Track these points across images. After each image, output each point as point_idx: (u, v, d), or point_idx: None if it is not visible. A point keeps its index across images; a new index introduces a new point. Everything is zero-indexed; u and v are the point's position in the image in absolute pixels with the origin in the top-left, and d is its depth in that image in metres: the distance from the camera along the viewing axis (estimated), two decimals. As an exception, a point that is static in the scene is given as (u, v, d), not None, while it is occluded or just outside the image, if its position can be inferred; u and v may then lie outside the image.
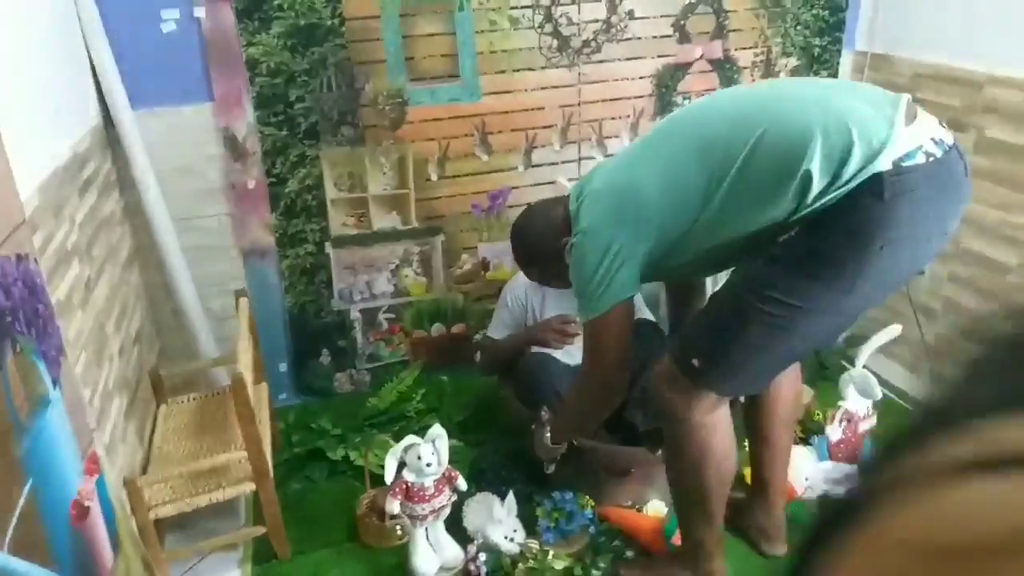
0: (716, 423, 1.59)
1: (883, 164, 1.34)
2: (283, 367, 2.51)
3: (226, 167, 2.25)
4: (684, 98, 2.57)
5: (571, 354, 2.10)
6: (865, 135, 1.36)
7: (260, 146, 2.25)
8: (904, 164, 1.34)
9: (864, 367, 2.00)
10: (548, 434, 1.87)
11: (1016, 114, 2.05)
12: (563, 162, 2.52)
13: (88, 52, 2.00)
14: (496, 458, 2.13)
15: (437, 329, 2.61)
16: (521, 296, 2.23)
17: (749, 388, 1.69)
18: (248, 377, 1.89)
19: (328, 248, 2.41)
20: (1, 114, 1.31)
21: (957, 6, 2.23)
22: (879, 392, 1.95)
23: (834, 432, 2.00)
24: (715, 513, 1.67)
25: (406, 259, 2.51)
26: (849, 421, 2.01)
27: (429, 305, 2.58)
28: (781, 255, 1.43)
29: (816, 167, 1.37)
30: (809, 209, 1.39)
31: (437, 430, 1.74)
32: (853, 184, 1.36)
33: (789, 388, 1.80)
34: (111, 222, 2.01)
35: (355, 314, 2.52)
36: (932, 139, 1.38)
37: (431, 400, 2.49)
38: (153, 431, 2.04)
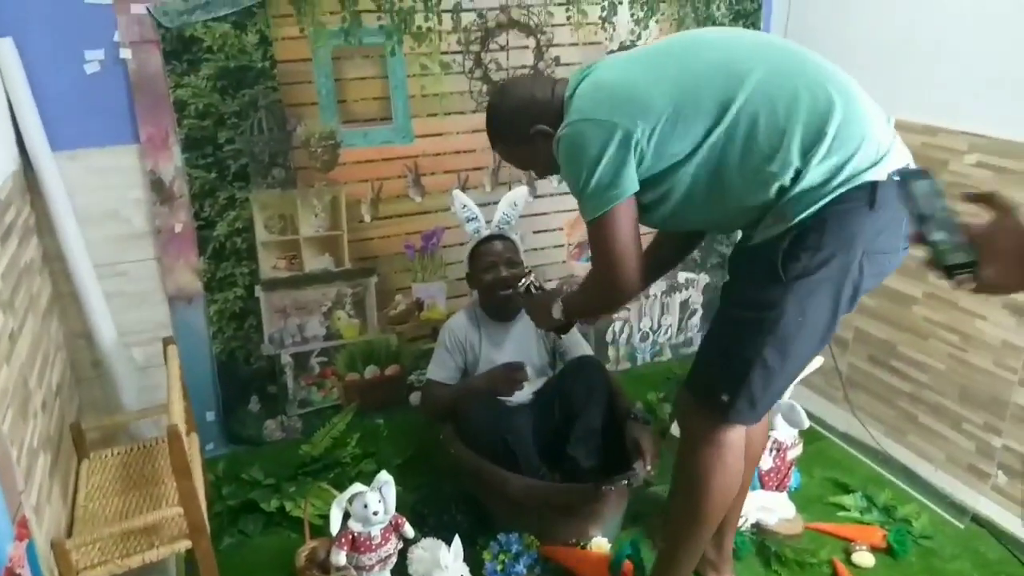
0: (737, 441, 1.58)
1: (881, 173, 1.37)
2: (211, 416, 2.43)
3: (152, 211, 2.18)
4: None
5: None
6: (874, 137, 1.39)
7: (188, 189, 2.20)
8: (891, 177, 1.35)
9: (789, 397, 2.11)
10: (558, 306, 1.76)
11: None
12: (493, 203, 2.55)
13: (5, 92, 1.92)
14: (438, 502, 2.12)
15: (371, 371, 2.59)
16: (460, 336, 2.24)
17: (772, 403, 1.61)
18: (183, 426, 1.83)
19: (258, 291, 2.36)
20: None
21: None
22: (806, 422, 2.05)
23: (764, 462, 2.09)
24: (706, 541, 1.68)
25: (339, 301, 2.48)
26: (778, 450, 2.11)
27: (362, 347, 2.56)
28: (765, 262, 1.43)
29: (827, 140, 1.36)
30: (797, 190, 1.38)
31: (384, 476, 1.73)
32: (847, 187, 1.37)
33: (761, 426, 1.78)
34: (31, 270, 1.91)
35: (286, 359, 2.46)
36: (908, 158, 1.45)
37: (367, 444, 2.45)
38: (76, 488, 1.93)
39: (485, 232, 2.21)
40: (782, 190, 1.41)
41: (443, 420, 2.17)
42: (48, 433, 1.78)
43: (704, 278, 3.01)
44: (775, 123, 1.39)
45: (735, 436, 1.56)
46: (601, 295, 1.63)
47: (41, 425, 1.73)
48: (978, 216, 0.97)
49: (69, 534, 1.77)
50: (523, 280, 1.99)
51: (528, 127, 1.60)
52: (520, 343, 2.25)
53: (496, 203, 2.28)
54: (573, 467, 2.10)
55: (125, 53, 2.03)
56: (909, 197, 1.01)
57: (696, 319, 3.06)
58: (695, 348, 3.04)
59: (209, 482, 2.23)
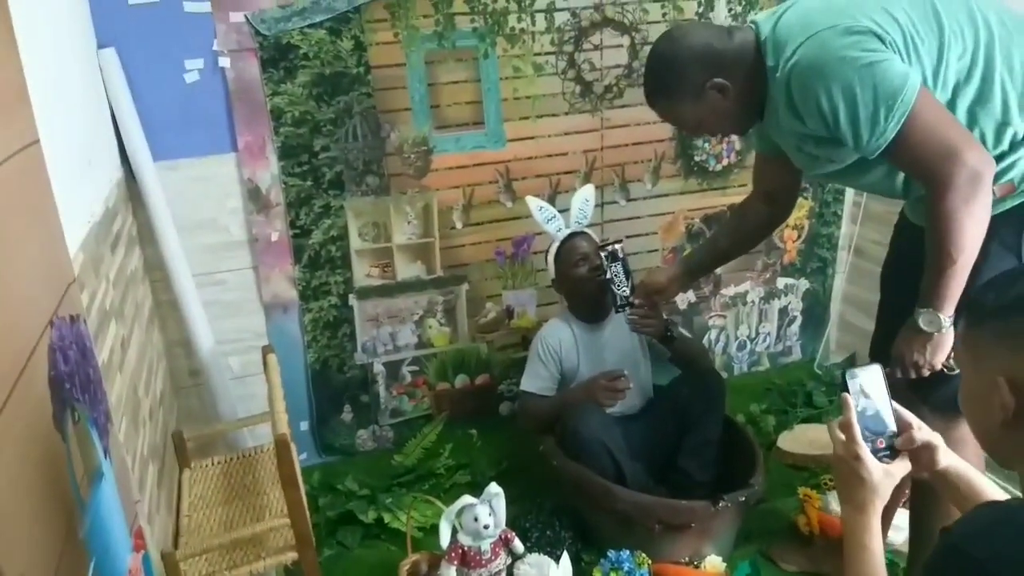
0: None
1: None
2: (304, 426, 2.41)
3: (249, 219, 2.18)
4: (705, 141, 2.57)
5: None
6: None
7: (284, 197, 2.19)
8: None
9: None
10: (924, 316, 1.34)
11: None
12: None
13: (109, 103, 1.94)
14: (540, 516, 2.05)
15: (461, 380, 2.54)
16: (554, 345, 2.17)
17: None
18: (288, 435, 1.80)
19: (352, 300, 2.34)
20: (50, 167, 1.24)
21: None
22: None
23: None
24: None
25: (430, 309, 2.44)
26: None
27: (453, 356, 2.51)
28: (994, 242, 1.32)
29: None
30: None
31: (494, 488, 1.66)
32: None
33: None
34: (135, 279, 1.92)
35: (378, 367, 2.43)
36: None
37: (460, 455, 2.40)
38: (179, 498, 1.92)
39: (566, 231, 2.16)
40: (1012, 146, 1.31)
41: (542, 432, 2.10)
42: (155, 443, 1.77)
43: (804, 284, 2.88)
44: (1012, 68, 1.30)
45: None
46: (967, 196, 1.25)
47: (149, 434, 1.72)
48: None
49: (175, 545, 1.75)
50: (611, 245, 2.03)
51: (702, 80, 1.44)
52: (617, 343, 2.17)
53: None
54: (684, 480, 2.01)
55: (224, 61, 2.03)
56: None
57: (795, 327, 2.92)
58: (795, 357, 2.92)
59: (305, 493, 2.20)
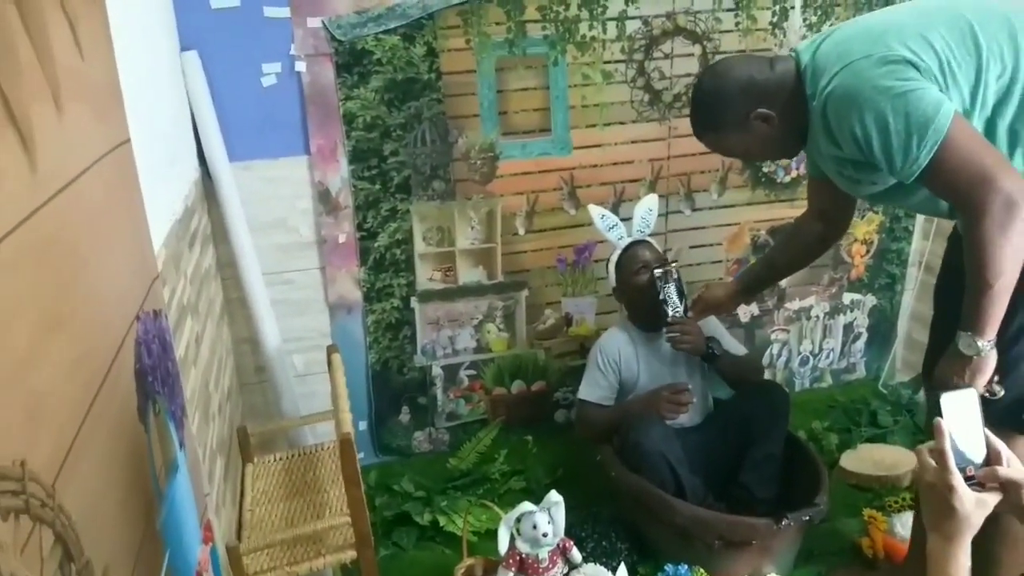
0: None
1: None
2: (363, 425, 2.44)
3: (318, 221, 2.22)
4: (771, 153, 2.53)
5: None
6: None
7: (352, 200, 2.22)
8: None
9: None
10: (963, 340, 1.34)
11: None
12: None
13: (189, 104, 1.99)
14: (596, 525, 2.03)
15: (517, 386, 2.54)
16: (614, 355, 2.15)
17: None
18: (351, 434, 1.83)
19: (414, 303, 2.36)
20: (138, 165, 1.28)
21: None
22: None
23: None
24: None
25: (490, 314, 2.45)
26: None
27: (510, 361, 2.51)
28: None
29: None
30: None
31: (554, 497, 1.66)
32: None
33: None
34: (209, 276, 1.97)
35: (437, 370, 2.45)
36: None
37: (515, 461, 2.40)
38: (242, 492, 1.96)
39: (627, 239, 2.16)
40: None
41: (599, 442, 2.09)
42: (223, 436, 1.82)
43: (871, 300, 2.80)
44: None
45: None
46: (1004, 223, 1.25)
47: (217, 428, 1.76)
48: None
49: (239, 538, 1.79)
50: (665, 266, 2.05)
51: (746, 111, 1.50)
52: (677, 353, 2.14)
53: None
54: (745, 496, 1.97)
55: (300, 66, 2.08)
56: None
57: (861, 344, 2.85)
58: (859, 375, 2.85)
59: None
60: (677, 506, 1.83)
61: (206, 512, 1.43)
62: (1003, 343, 1.36)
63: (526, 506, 1.65)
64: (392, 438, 2.48)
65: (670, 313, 2.05)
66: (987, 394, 1.37)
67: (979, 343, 1.32)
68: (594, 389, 2.14)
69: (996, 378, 1.37)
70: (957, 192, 1.30)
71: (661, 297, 2.05)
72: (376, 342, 2.37)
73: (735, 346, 2.20)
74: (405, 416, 2.47)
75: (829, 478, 2.25)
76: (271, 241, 2.19)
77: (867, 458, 2.34)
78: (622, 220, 2.21)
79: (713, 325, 2.21)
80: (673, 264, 2.09)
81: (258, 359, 2.25)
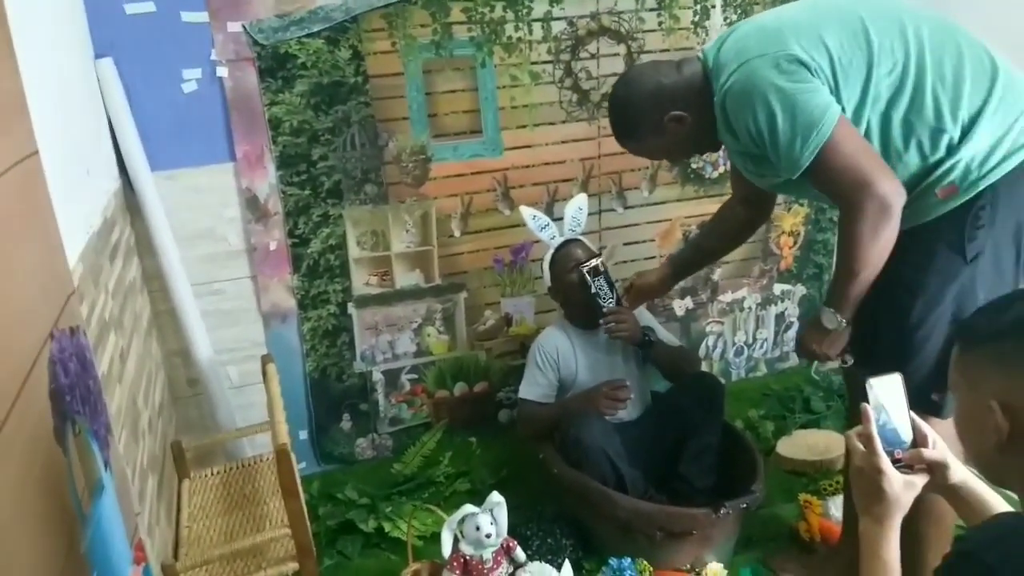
0: None
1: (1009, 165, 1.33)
2: (303, 435, 2.40)
3: (247, 228, 2.18)
4: (699, 149, 2.58)
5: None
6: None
7: (282, 206, 2.19)
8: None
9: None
10: (826, 315, 1.47)
11: None
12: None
13: (107, 113, 1.93)
14: (542, 524, 2.04)
15: (460, 388, 2.54)
16: (552, 354, 2.17)
17: None
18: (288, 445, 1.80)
19: (351, 308, 2.33)
20: (49, 177, 1.24)
21: None
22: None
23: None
24: None
25: (429, 317, 2.44)
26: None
27: (451, 363, 2.51)
28: (939, 244, 1.39)
29: (994, 101, 1.34)
30: (964, 156, 1.35)
31: (496, 497, 1.66)
32: (1015, 160, 1.34)
33: None
34: (133, 289, 1.91)
35: (377, 376, 2.43)
36: None
37: (459, 463, 2.40)
38: (179, 509, 1.91)
39: (560, 239, 2.17)
40: (948, 151, 1.36)
41: (541, 439, 2.11)
42: (154, 453, 1.77)
43: (800, 289, 2.88)
44: (943, 76, 1.35)
45: None
46: (875, 224, 1.34)
47: (148, 445, 1.71)
48: None
49: (176, 557, 1.75)
50: (591, 261, 2.06)
51: (660, 116, 1.56)
52: (614, 349, 2.16)
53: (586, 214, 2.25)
54: (685, 487, 2.01)
55: (221, 71, 2.03)
56: None
57: (792, 332, 2.93)
58: (792, 363, 2.93)
59: (305, 502, 2.20)
60: (618, 500, 1.86)
61: (136, 532, 1.39)
62: (907, 328, 1.45)
63: (468, 508, 1.65)
64: (334, 446, 2.45)
65: (603, 305, 2.07)
66: (841, 363, 1.59)
67: (839, 318, 1.46)
68: (534, 387, 2.15)
69: (847, 349, 1.55)
70: (838, 192, 1.39)
71: (593, 291, 2.08)
72: (313, 350, 2.33)
73: (669, 338, 2.24)
74: (346, 423, 2.44)
75: (765, 465, 2.32)
76: (199, 251, 2.14)
77: (802, 444, 2.41)
78: (555, 220, 2.22)
79: (647, 318, 2.24)
80: (598, 259, 2.12)
81: (190, 372, 2.19)
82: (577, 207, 2.22)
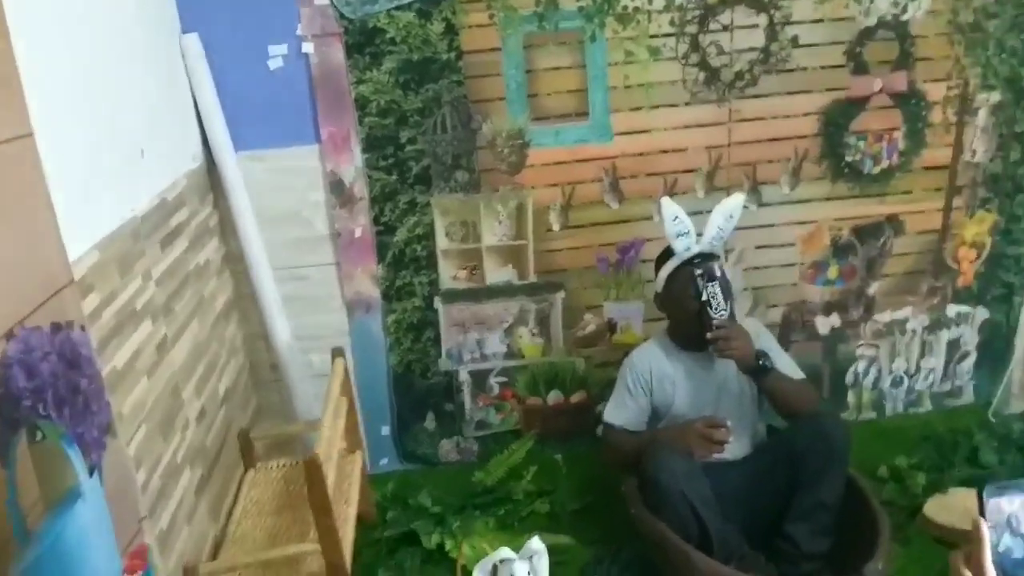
0: None
1: None
2: (385, 430, 2.30)
3: (331, 214, 2.08)
4: (859, 138, 2.16)
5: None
6: None
7: (368, 192, 2.06)
8: None
9: None
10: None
11: None
12: (707, 211, 2.15)
13: (191, 90, 1.89)
14: (614, 567, 1.79)
15: (554, 396, 2.32)
16: (645, 374, 1.87)
17: None
18: (333, 453, 1.68)
19: (437, 303, 2.18)
20: (52, 173, 1.16)
21: None
22: None
23: None
24: None
25: (521, 317, 2.23)
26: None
27: (546, 369, 2.29)
28: None
29: None
30: None
31: (536, 545, 1.43)
32: None
33: None
34: (206, 272, 1.87)
35: (464, 376, 2.27)
36: None
37: (543, 481, 2.19)
38: (236, 500, 1.86)
39: (695, 249, 1.81)
40: None
41: (626, 472, 1.84)
42: (203, 444, 1.71)
43: (982, 313, 2.37)
44: None
45: None
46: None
47: (193, 437, 1.65)
48: None
49: (216, 554, 1.69)
50: (708, 263, 1.75)
51: None
52: (723, 376, 1.84)
53: (709, 211, 1.87)
54: (790, 548, 1.68)
55: (307, 47, 1.93)
56: None
57: (968, 364, 2.42)
58: (965, 400, 2.45)
59: (374, 504, 2.09)
60: (696, 561, 1.56)
61: (138, 537, 1.32)
62: None
63: (504, 552, 1.44)
64: (416, 445, 2.32)
65: (714, 317, 1.74)
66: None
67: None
68: (621, 411, 1.88)
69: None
70: None
71: (704, 298, 1.75)
72: (397, 343, 2.21)
73: (790, 367, 1.86)
74: (431, 423, 2.30)
75: (907, 528, 1.92)
76: (282, 235, 2.07)
77: (957, 506, 1.95)
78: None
79: (766, 339, 1.89)
80: (716, 262, 1.78)
81: (273, 356, 2.14)
82: (727, 214, 1.81)
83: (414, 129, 2.02)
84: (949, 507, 1.96)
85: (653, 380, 1.86)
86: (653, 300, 1.92)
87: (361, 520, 2.08)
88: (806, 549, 1.66)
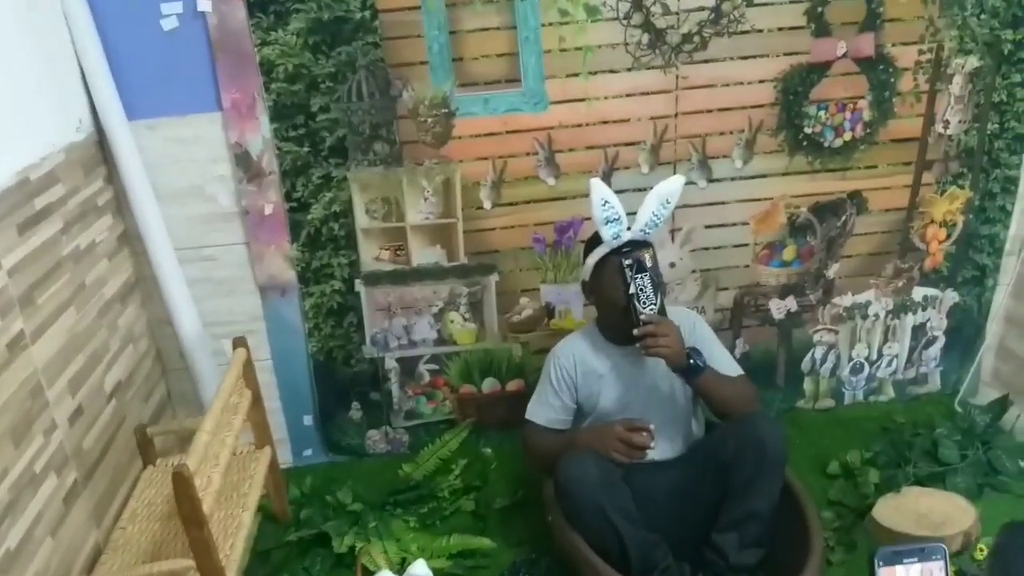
0: None
1: None
2: (308, 420, 2.16)
3: (238, 189, 1.90)
4: (820, 108, 1.98)
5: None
6: None
7: (278, 165, 1.89)
8: None
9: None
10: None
11: None
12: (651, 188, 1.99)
13: (76, 54, 1.70)
14: (534, 570, 1.66)
15: (489, 385, 2.17)
16: (569, 369, 1.71)
17: None
18: (221, 456, 1.54)
19: (359, 286, 2.02)
20: None
21: None
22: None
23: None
24: None
25: (452, 301, 2.08)
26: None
27: (480, 356, 2.14)
28: None
29: None
30: None
31: (419, 570, 1.30)
32: None
33: None
34: (90, 255, 1.70)
35: (391, 363, 2.12)
36: None
37: (472, 476, 2.05)
38: (128, 501, 1.72)
39: (626, 237, 1.62)
40: None
41: (547, 473, 1.69)
42: (79, 446, 1.57)
43: (951, 296, 2.21)
44: None
45: None
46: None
47: (65, 439, 1.51)
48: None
49: (93, 565, 1.55)
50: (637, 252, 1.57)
51: None
52: (654, 372, 1.68)
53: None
54: (718, 561, 1.55)
55: (204, 5, 1.74)
56: None
57: (935, 350, 2.27)
58: (930, 388, 2.31)
59: (287, 502, 1.96)
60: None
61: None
62: None
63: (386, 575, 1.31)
64: (342, 436, 2.18)
65: (642, 311, 1.58)
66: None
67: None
68: (543, 409, 1.73)
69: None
70: None
71: (631, 291, 1.58)
72: (317, 329, 2.06)
73: (727, 363, 1.70)
74: (356, 413, 2.16)
75: (855, 533, 1.79)
76: (186, 212, 1.91)
77: (910, 508, 1.82)
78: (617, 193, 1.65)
79: (702, 331, 1.73)
80: (647, 251, 1.60)
81: (180, 343, 1.99)
82: (664, 198, 1.61)
83: (327, 96, 1.84)
84: (901, 509, 1.82)
85: (578, 376, 1.70)
86: (581, 289, 1.75)
87: (275, 519, 1.96)
88: (733, 561, 1.53)
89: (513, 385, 2.17)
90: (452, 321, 2.09)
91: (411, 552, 1.79)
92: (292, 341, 2.06)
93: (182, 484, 1.34)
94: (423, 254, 2.02)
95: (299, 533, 1.86)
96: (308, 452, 2.18)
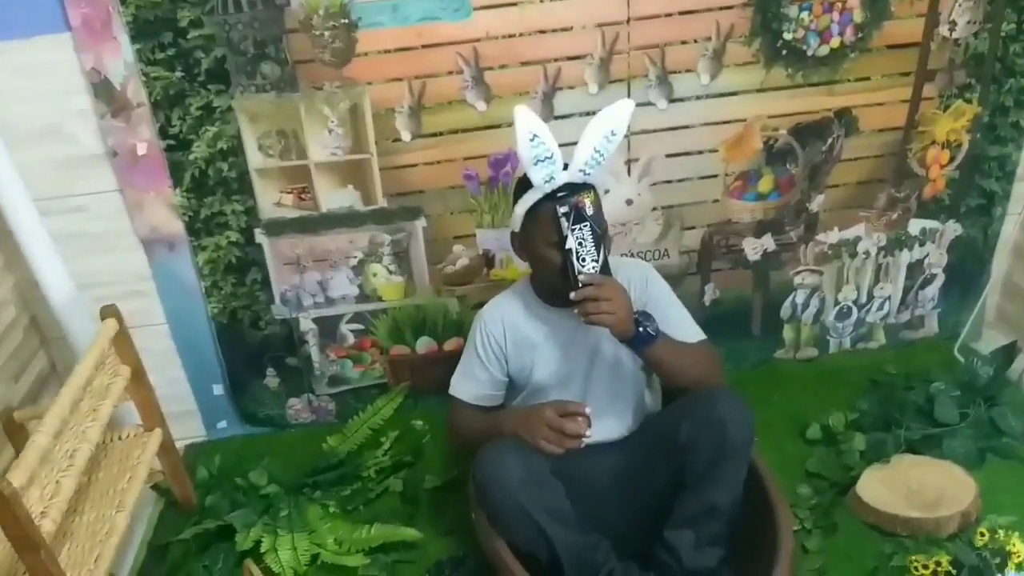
0: None
1: None
2: (218, 389, 1.90)
3: (102, 125, 1.59)
4: (802, 8, 1.64)
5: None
6: None
7: (147, 95, 1.57)
8: None
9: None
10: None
11: None
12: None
13: None
14: (460, 571, 1.43)
15: (425, 344, 1.90)
16: (498, 335, 1.44)
17: None
18: (78, 455, 1.29)
19: (259, 236, 1.73)
20: None
21: None
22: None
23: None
24: None
25: (373, 252, 1.79)
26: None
27: (411, 313, 1.87)
28: None
29: None
30: None
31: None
32: None
33: None
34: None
35: (307, 324, 1.84)
36: None
37: (403, 450, 1.81)
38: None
39: (561, 179, 1.30)
40: None
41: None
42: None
43: (954, 228, 1.93)
44: None
45: None
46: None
47: None
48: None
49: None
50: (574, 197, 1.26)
51: None
52: (599, 344, 1.40)
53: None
54: (670, 561, 1.31)
55: None
56: None
57: (933, 289, 2.00)
58: (926, 332, 2.05)
59: (191, 486, 1.72)
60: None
61: None
62: None
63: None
64: (258, 406, 1.93)
65: (580, 270, 1.28)
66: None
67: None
68: (469, 383, 1.46)
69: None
70: None
71: (568, 245, 1.28)
72: (215, 287, 1.77)
73: (685, 326, 1.42)
74: (272, 380, 1.90)
75: (835, 513, 1.55)
76: (42, 154, 1.60)
77: (899, 483, 1.58)
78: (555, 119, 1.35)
79: (656, 290, 1.44)
80: (587, 197, 1.29)
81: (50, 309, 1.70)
82: (608, 130, 1.28)
83: (197, 8, 1.50)
84: (889, 483, 1.59)
85: (508, 344, 1.43)
86: (510, 242, 1.44)
87: (179, 507, 1.72)
88: (688, 563, 1.29)
89: (451, 344, 1.90)
90: (375, 274, 1.81)
91: (326, 546, 1.57)
92: (189, 302, 1.78)
93: (3, 505, 1.08)
94: (333, 197, 1.71)
95: (198, 527, 1.62)
96: (223, 424, 1.94)
